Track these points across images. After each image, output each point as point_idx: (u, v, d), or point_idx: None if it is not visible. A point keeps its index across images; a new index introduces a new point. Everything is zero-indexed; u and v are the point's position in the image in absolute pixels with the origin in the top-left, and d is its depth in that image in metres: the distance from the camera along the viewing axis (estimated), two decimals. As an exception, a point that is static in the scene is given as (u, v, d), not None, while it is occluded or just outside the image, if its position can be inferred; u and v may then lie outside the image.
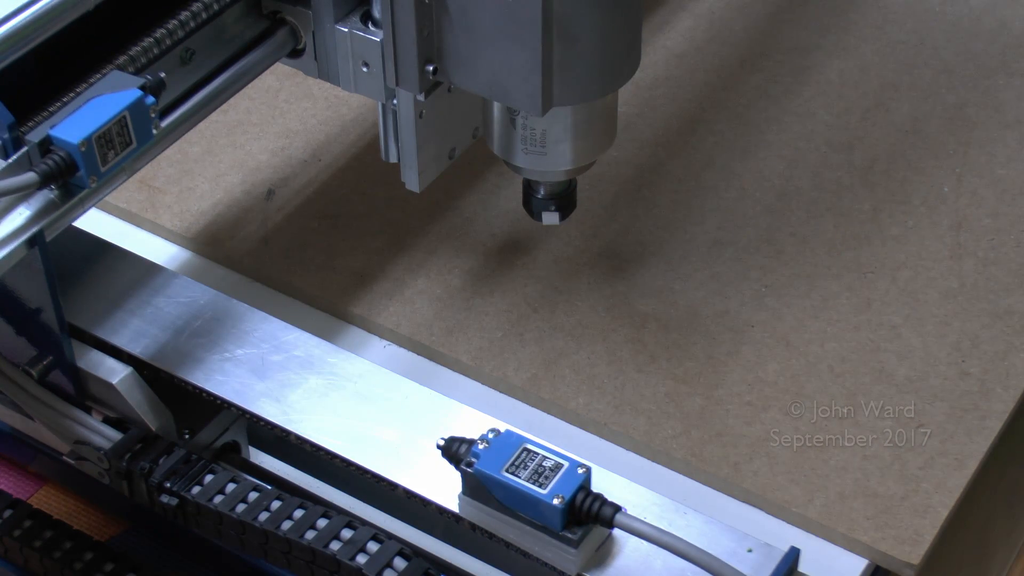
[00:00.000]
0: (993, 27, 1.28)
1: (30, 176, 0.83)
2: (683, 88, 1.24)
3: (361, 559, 0.86)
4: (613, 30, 0.85)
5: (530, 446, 0.84)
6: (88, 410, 0.97)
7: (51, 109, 0.86)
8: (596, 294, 1.07)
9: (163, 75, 0.89)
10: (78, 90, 0.87)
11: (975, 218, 1.12)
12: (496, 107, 0.91)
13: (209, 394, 0.94)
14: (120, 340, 0.96)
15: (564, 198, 0.98)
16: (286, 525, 0.88)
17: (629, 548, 0.85)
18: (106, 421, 0.96)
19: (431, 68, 0.86)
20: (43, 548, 0.94)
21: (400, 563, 0.86)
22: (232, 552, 0.94)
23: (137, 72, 0.90)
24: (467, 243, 1.11)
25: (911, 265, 1.09)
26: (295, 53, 0.99)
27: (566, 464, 0.83)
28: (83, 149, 0.84)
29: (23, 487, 1.05)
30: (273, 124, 1.22)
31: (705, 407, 0.99)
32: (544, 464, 0.83)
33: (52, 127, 0.83)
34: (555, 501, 0.81)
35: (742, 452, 0.97)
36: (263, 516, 0.88)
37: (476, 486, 0.84)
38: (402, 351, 1.05)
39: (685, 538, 0.81)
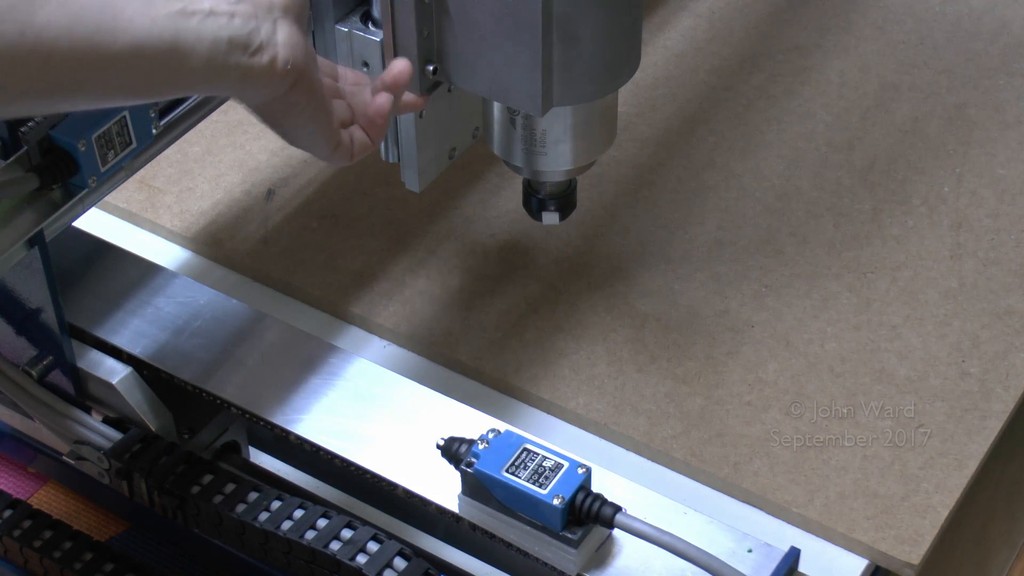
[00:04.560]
0: (993, 27, 1.29)
1: (30, 176, 0.83)
2: (683, 88, 1.24)
3: (361, 559, 0.86)
4: (613, 30, 0.85)
5: (530, 446, 0.84)
6: (88, 410, 0.97)
7: (51, 109, 0.86)
8: (596, 294, 1.07)
9: (163, 75, 0.89)
10: (78, 90, 0.87)
11: (975, 218, 1.12)
12: (496, 107, 0.91)
13: (209, 394, 0.94)
14: (120, 340, 0.96)
15: (564, 198, 0.98)
16: (286, 525, 0.88)
17: (629, 548, 0.85)
18: (106, 421, 0.96)
19: (431, 68, 0.86)
20: (43, 548, 0.94)
21: (400, 563, 0.86)
22: (232, 552, 0.94)
23: (137, 72, 0.89)
24: (467, 243, 1.11)
25: (911, 265, 1.09)
26: (295, 53, 0.99)
27: (566, 464, 0.83)
28: (83, 149, 0.84)
29: (23, 487, 1.05)
30: (273, 124, 1.22)
31: (705, 407, 0.99)
32: (544, 464, 0.83)
33: (52, 127, 0.83)
34: (555, 501, 0.81)
35: (742, 452, 0.97)
36: (263, 516, 0.88)
37: (476, 486, 0.84)
38: (402, 351, 1.05)
39: (685, 538, 0.81)
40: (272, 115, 0.78)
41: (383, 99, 0.83)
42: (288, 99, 0.76)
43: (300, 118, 0.78)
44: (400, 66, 0.83)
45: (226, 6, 0.72)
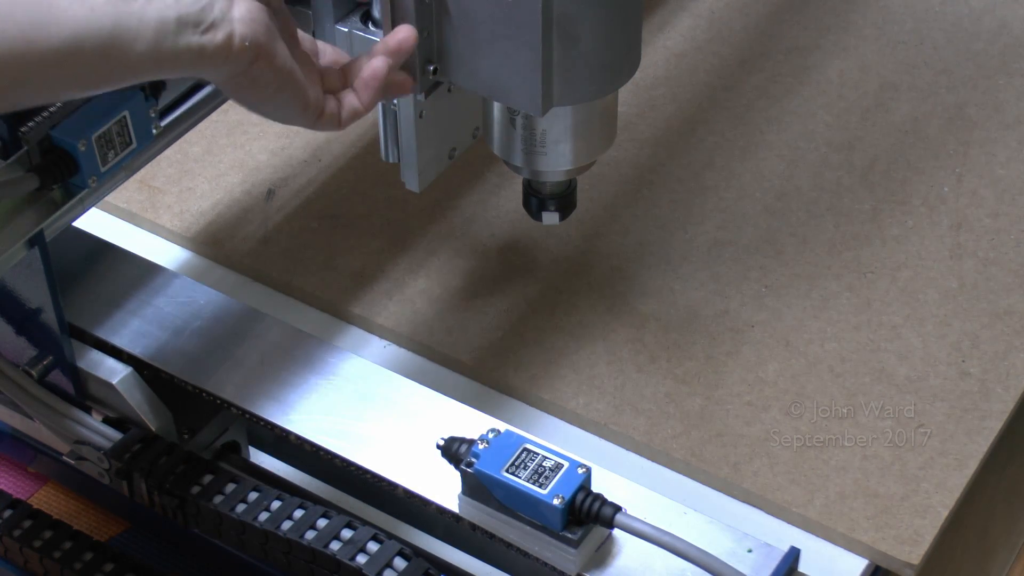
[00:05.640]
0: (993, 27, 1.29)
1: (30, 176, 0.83)
2: (683, 88, 1.24)
3: (361, 559, 0.86)
4: (613, 30, 0.84)
5: (530, 446, 0.84)
6: (88, 410, 0.97)
7: (51, 109, 0.86)
8: (596, 294, 1.07)
9: (163, 75, 0.89)
10: (78, 90, 0.87)
11: (975, 218, 1.12)
12: (496, 107, 0.91)
13: (209, 394, 0.94)
14: (120, 340, 0.96)
15: (564, 198, 0.98)
16: (286, 525, 0.88)
17: (629, 548, 0.85)
18: (106, 421, 0.96)
19: (431, 68, 0.86)
20: (43, 548, 0.94)
21: (400, 563, 0.86)
22: (232, 552, 0.94)
23: (137, 72, 0.89)
24: (467, 243, 1.11)
25: (911, 265, 1.09)
26: (295, 53, 0.99)
27: (566, 464, 0.83)
28: (83, 149, 0.84)
29: (23, 487, 1.05)
30: (273, 124, 1.21)
31: (705, 407, 0.99)
32: (544, 464, 0.83)
33: (52, 127, 0.84)
34: (555, 501, 0.81)
35: (742, 452, 0.97)
36: (263, 516, 0.88)
37: (476, 486, 0.84)
38: (402, 351, 1.05)
39: (685, 538, 0.81)
40: (237, 90, 0.76)
41: (379, 62, 0.80)
42: (250, 74, 0.74)
43: (266, 91, 0.76)
44: (404, 32, 0.81)
45: None
